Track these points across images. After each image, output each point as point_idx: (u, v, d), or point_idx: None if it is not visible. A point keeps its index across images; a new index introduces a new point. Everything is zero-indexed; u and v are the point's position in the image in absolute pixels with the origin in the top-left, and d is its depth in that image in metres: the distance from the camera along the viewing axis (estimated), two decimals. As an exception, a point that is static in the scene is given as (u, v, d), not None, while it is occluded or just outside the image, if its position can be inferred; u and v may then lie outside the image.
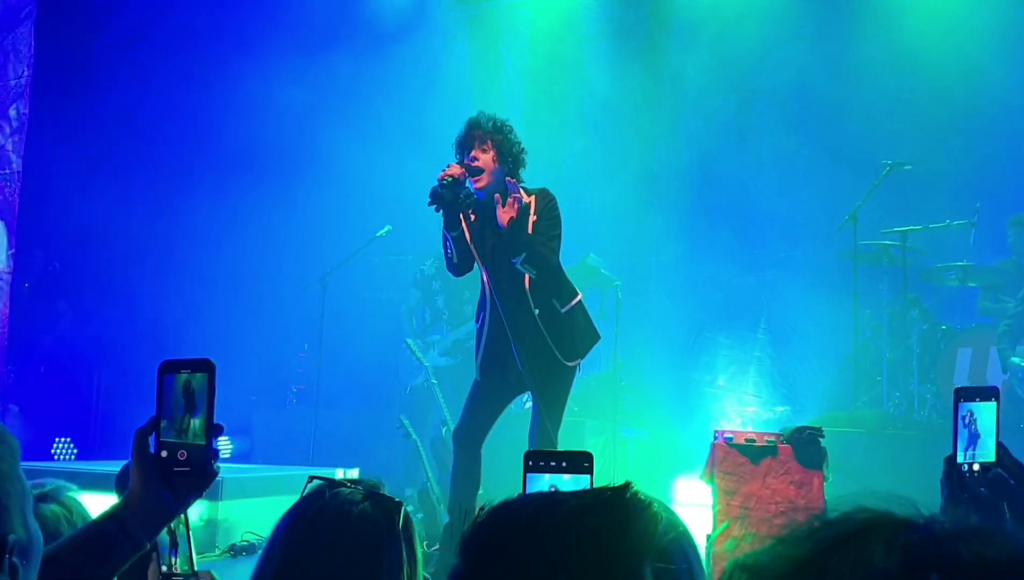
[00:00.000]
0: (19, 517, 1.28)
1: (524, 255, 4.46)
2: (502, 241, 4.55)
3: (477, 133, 4.56)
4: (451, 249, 4.60)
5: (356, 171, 9.01)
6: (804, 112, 8.92)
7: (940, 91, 8.33)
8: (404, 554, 1.59)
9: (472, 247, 4.60)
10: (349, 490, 1.63)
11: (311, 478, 1.67)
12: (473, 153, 4.52)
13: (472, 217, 4.59)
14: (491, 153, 4.53)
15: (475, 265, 4.73)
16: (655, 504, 1.07)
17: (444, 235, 4.60)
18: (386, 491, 1.65)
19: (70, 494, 2.07)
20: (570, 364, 4.70)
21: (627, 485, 1.07)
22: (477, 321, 4.83)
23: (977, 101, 8.25)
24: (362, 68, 9.00)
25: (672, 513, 1.10)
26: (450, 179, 4.41)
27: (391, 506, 1.61)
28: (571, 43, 9.91)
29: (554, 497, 1.09)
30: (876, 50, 8.63)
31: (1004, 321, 6.99)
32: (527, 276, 4.56)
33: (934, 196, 8.08)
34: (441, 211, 4.47)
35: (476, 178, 4.51)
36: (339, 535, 1.57)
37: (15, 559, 1.24)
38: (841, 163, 8.51)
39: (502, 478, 5.80)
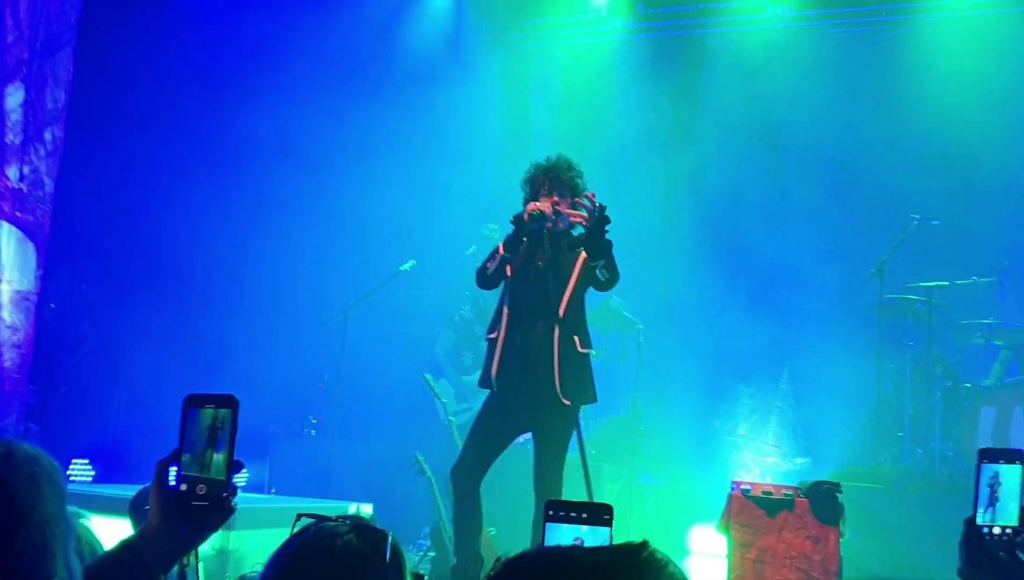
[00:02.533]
0: (62, 558, 1.30)
1: (603, 262, 4.70)
2: (558, 269, 4.78)
3: (565, 177, 4.85)
4: (494, 264, 4.76)
5: (382, 205, 9.06)
6: (834, 163, 8.91)
7: (971, 148, 8.30)
8: None
9: (510, 269, 4.79)
10: (335, 523, 1.63)
11: (299, 516, 1.67)
12: (556, 197, 4.79)
13: (524, 240, 4.80)
14: (570, 198, 4.83)
15: (499, 285, 4.90)
16: (671, 564, 1.06)
17: (495, 250, 4.78)
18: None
19: (81, 521, 2.07)
20: (565, 402, 4.73)
21: (644, 544, 1.06)
22: (491, 334, 4.90)
23: (1007, 159, 8.21)
24: (392, 104, 9.09)
25: (686, 576, 1.09)
26: (539, 213, 4.68)
27: (377, 537, 1.60)
28: (603, 86, 9.97)
29: (569, 552, 1.07)
30: (908, 105, 8.63)
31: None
32: (564, 302, 4.74)
33: (961, 252, 8.02)
34: (514, 231, 4.72)
35: (558, 218, 4.80)
36: (322, 565, 1.57)
37: None
38: (869, 216, 8.48)
39: (510, 514, 5.77)
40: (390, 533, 1.61)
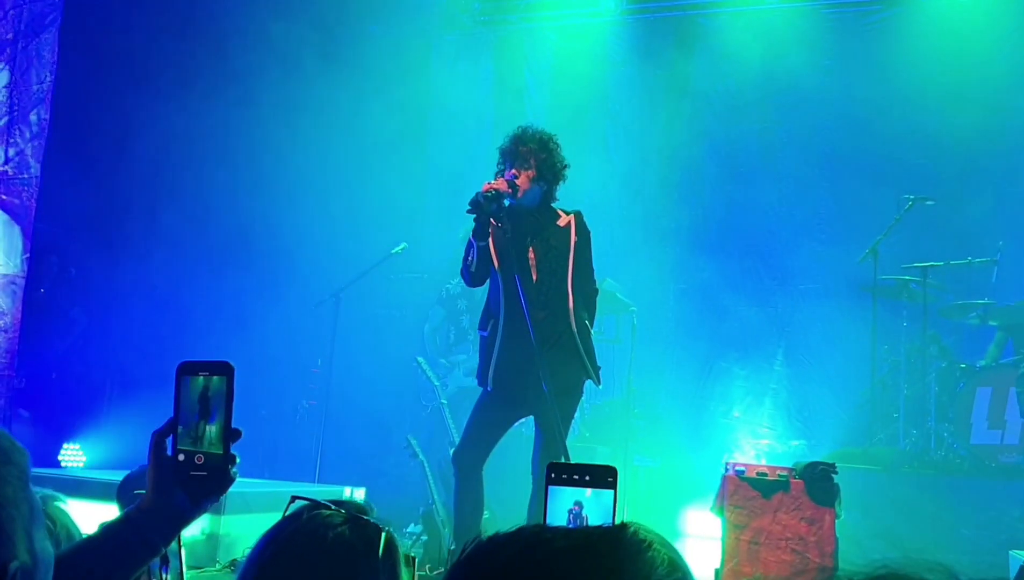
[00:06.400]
0: (23, 542, 1.24)
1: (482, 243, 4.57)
2: (551, 252, 4.64)
3: (523, 149, 4.66)
4: (473, 257, 4.62)
5: (374, 187, 9.00)
6: (827, 144, 8.87)
7: (965, 127, 8.26)
8: None
9: (495, 257, 4.61)
10: (329, 513, 1.56)
11: (293, 498, 1.61)
12: (515, 169, 4.61)
13: (496, 224, 4.59)
14: (532, 171, 4.63)
15: (488, 277, 4.73)
16: (656, 545, 0.99)
17: (470, 243, 4.62)
18: (373, 517, 1.57)
19: (56, 503, 2.03)
20: (599, 385, 4.79)
21: (623, 526, 0.99)
22: (484, 329, 4.76)
23: (1002, 138, 8.17)
24: (383, 86, 9.00)
25: (676, 553, 1.02)
26: (494, 192, 4.49)
27: (371, 531, 1.54)
28: (595, 67, 9.90)
29: (541, 535, 0.99)
30: (902, 84, 8.58)
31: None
32: (569, 284, 4.62)
33: (956, 232, 7.99)
34: (475, 219, 4.52)
35: (515, 193, 4.61)
36: (312, 558, 1.50)
37: None
38: (863, 196, 8.44)
39: (504, 498, 5.74)
40: (385, 528, 1.55)
